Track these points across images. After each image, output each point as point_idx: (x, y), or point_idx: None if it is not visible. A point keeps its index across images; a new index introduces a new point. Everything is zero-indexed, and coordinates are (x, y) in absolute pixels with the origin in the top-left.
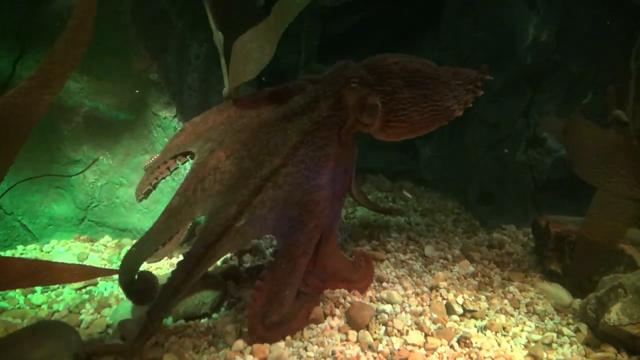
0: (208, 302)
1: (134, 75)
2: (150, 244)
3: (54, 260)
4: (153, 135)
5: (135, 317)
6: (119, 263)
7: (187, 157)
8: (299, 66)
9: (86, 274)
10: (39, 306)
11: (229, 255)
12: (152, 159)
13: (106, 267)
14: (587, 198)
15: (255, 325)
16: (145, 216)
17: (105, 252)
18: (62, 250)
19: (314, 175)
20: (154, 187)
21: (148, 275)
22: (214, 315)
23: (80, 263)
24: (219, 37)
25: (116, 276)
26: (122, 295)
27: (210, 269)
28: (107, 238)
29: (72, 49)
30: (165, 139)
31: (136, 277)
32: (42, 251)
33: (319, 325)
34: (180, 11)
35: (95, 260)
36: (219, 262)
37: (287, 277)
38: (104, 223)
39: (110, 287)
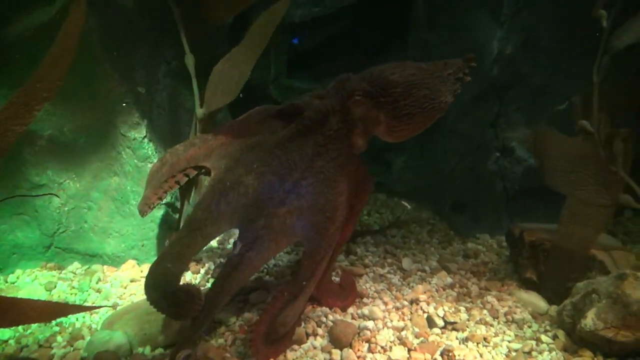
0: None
1: (101, 95)
2: (180, 258)
3: (20, 291)
4: (122, 157)
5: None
6: (90, 290)
7: (202, 171)
8: (268, 82)
9: (55, 312)
10: (6, 342)
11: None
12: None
13: (76, 295)
14: (559, 205)
15: (261, 331)
16: (116, 240)
17: (74, 280)
18: (28, 280)
19: (333, 184)
20: (162, 200)
21: (192, 288)
22: None
23: (48, 292)
24: (191, 59)
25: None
26: (96, 326)
27: None
28: (76, 265)
29: (47, 82)
30: (135, 160)
31: (178, 291)
32: (6, 282)
33: (302, 346)
34: (147, 29)
35: (64, 288)
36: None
37: (304, 282)
38: (72, 249)
39: (82, 318)
